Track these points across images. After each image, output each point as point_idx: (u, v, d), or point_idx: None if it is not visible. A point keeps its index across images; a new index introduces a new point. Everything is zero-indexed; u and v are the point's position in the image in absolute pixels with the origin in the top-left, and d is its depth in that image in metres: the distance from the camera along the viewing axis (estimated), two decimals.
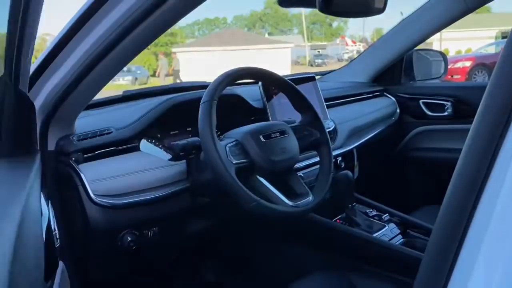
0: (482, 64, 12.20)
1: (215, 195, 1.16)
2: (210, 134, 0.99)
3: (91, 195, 1.00)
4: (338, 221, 1.41)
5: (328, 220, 1.39)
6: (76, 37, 0.89)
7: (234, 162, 1.02)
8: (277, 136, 1.11)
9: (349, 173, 1.40)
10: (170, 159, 1.18)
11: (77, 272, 1.14)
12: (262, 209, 0.99)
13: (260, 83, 1.42)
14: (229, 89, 1.32)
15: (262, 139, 1.07)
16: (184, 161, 1.18)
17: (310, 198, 1.09)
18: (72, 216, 1.08)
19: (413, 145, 2.01)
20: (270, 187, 1.05)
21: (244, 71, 1.13)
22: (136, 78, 18.78)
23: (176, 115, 1.25)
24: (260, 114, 1.41)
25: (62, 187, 1.08)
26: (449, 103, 1.88)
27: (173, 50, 23.67)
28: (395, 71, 2.04)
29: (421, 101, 1.95)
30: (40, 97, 1.01)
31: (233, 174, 0.98)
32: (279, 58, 20.79)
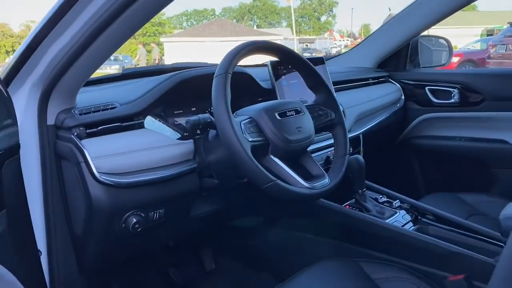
0: (469, 60, 12.37)
1: (225, 176, 1.10)
2: (225, 109, 0.92)
3: (95, 172, 0.93)
4: (347, 206, 1.36)
5: (338, 205, 1.33)
6: (77, 4, 0.82)
7: (249, 140, 0.95)
8: (293, 115, 1.05)
9: (360, 157, 1.35)
10: (178, 138, 1.12)
11: (75, 253, 1.08)
12: (278, 190, 0.93)
13: (269, 62, 1.36)
14: (237, 67, 1.26)
15: (278, 117, 1.01)
16: (191, 140, 1.12)
17: (327, 180, 1.04)
18: (72, 195, 1.01)
19: (417, 132, 1.97)
20: (285, 167, 0.99)
21: (260, 43, 1.06)
22: (123, 67, 18.51)
23: (182, 92, 1.18)
24: (268, 95, 1.35)
25: (61, 163, 1.01)
26: (456, 90, 1.84)
27: (161, 39, 23.43)
28: (401, 57, 2.00)
29: (427, 87, 1.92)
30: (39, 68, 0.94)
31: (249, 152, 0.92)
32: None
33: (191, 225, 1.26)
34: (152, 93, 1.10)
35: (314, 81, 1.16)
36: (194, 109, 1.25)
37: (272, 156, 1.00)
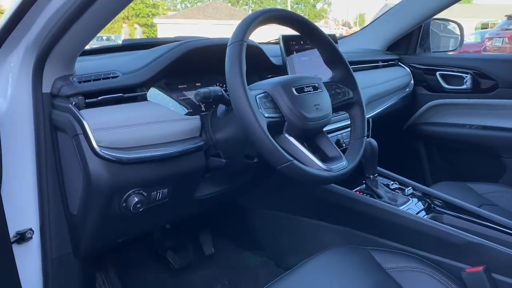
0: (465, 52, 12.36)
1: (233, 155, 1.03)
2: (240, 80, 0.84)
3: (95, 146, 0.84)
4: (358, 192, 1.29)
5: (348, 190, 1.27)
6: None
7: (266, 116, 0.87)
8: (310, 91, 0.97)
9: (373, 141, 1.28)
10: (186, 114, 1.04)
11: (70, 234, 1.00)
12: (295, 171, 0.86)
13: (281, 36, 1.28)
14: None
15: (295, 93, 0.93)
16: (197, 116, 1.04)
17: (344, 162, 0.97)
18: (68, 170, 0.93)
19: (426, 119, 1.91)
20: (301, 147, 0.92)
21: (279, 12, 0.97)
22: None
23: (188, 64, 1.10)
24: (278, 71, 1.27)
25: (57, 135, 0.92)
26: (468, 76, 1.77)
27: (155, 21, 23.08)
28: (411, 40, 1.93)
29: (438, 72, 1.84)
30: (33, 31, 0.85)
31: (265, 129, 0.84)
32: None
33: (194, 207, 1.19)
34: (158, 62, 1.01)
35: (332, 56, 1.08)
36: (199, 84, 1.17)
37: (286, 135, 0.92)
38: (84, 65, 0.98)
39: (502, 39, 10.09)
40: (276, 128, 0.91)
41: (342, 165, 0.96)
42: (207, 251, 1.60)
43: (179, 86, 1.12)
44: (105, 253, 1.32)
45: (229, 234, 1.64)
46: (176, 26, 21.67)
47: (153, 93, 1.04)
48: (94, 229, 0.96)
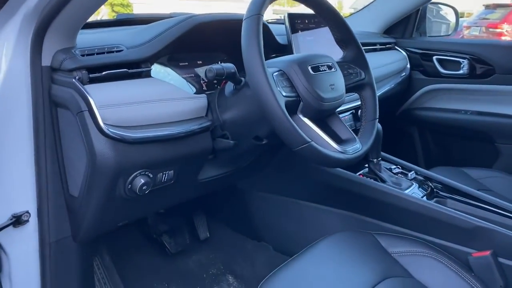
0: None
1: (242, 136, 0.98)
2: (258, 56, 0.79)
3: (101, 124, 0.79)
4: (361, 175, 1.27)
5: (353, 174, 1.24)
6: None
7: (284, 95, 0.83)
8: (325, 70, 0.93)
9: (378, 124, 1.25)
10: (195, 92, 0.99)
11: (69, 217, 0.95)
12: (312, 152, 0.82)
13: (286, 13, 1.23)
14: None
15: (311, 71, 0.89)
16: (204, 95, 0.99)
17: (358, 145, 0.94)
18: (70, 149, 0.87)
19: (421, 104, 1.90)
20: (316, 129, 0.89)
21: None
22: None
23: (193, 41, 1.04)
24: (283, 51, 1.23)
25: (57, 112, 0.86)
26: (465, 61, 1.76)
27: (130, 0, 22.43)
28: (409, 23, 1.90)
29: (434, 57, 1.83)
30: None
31: (284, 108, 0.80)
32: None
33: (197, 190, 1.15)
34: (164, 36, 0.96)
35: (344, 36, 1.04)
36: (200, 62, 1.12)
37: (301, 116, 0.89)
38: (84, 38, 0.91)
39: (479, 28, 10.21)
40: (290, 108, 0.87)
41: (356, 148, 0.93)
42: (202, 235, 1.56)
43: (181, 64, 1.07)
44: (100, 237, 1.27)
45: (225, 217, 1.60)
46: (152, 7, 21.10)
47: (157, 70, 0.98)
48: (96, 212, 0.91)
